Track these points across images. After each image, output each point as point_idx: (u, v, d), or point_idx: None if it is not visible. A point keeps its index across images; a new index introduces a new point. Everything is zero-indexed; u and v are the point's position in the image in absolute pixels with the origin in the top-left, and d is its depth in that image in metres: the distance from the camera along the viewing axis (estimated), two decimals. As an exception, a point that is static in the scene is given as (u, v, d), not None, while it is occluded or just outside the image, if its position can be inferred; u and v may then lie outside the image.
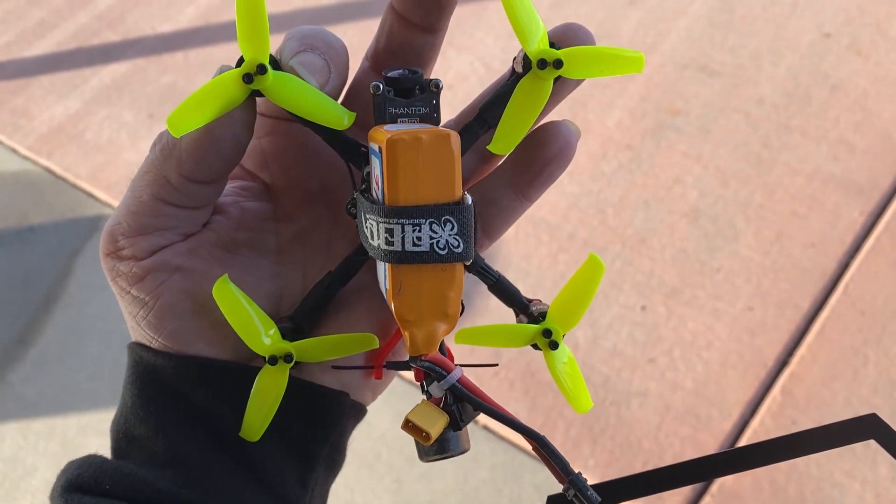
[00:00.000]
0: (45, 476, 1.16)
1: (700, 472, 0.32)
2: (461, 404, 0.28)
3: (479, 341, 0.30)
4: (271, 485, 0.29)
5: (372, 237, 0.26)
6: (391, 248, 0.25)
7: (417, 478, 1.08)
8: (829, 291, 1.15)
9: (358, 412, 0.32)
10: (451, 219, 0.25)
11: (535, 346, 0.30)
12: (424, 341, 0.26)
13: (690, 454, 1.02)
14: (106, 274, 0.30)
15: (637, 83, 1.51)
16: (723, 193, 1.30)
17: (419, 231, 0.25)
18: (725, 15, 1.61)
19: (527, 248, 1.28)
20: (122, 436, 0.29)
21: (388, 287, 0.27)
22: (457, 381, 0.27)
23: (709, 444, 1.02)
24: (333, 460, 0.32)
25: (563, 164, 0.31)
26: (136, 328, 0.30)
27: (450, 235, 0.25)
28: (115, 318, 1.34)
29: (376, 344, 0.29)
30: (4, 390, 1.27)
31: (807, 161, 1.32)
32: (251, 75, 0.26)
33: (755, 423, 1.04)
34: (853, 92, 1.43)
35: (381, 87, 0.28)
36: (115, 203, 1.54)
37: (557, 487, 0.98)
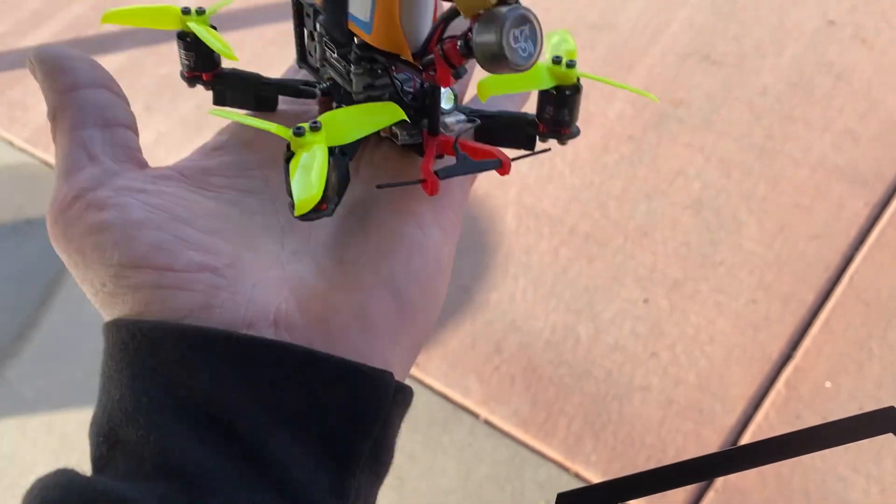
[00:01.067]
0: (44, 473, 1.15)
1: (713, 468, 0.31)
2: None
3: (502, 89, 0.31)
4: (298, 497, 0.23)
5: None
6: None
7: (419, 475, 1.07)
8: (834, 284, 1.14)
9: (405, 397, 0.27)
10: None
11: (560, 88, 0.31)
12: None
13: (693, 449, 1.01)
14: (58, 236, 0.27)
15: (638, 74, 1.49)
16: (725, 185, 1.29)
17: None
18: (728, 4, 1.59)
19: (527, 241, 1.27)
20: (103, 439, 0.24)
21: None
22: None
23: (712, 440, 1.01)
24: (378, 461, 0.25)
25: None
26: (106, 290, 0.26)
27: None
28: (113, 313, 1.33)
29: (403, 114, 0.27)
30: (2, 387, 1.27)
31: (810, 152, 1.31)
32: (188, 10, 0.32)
33: (759, 417, 1.03)
34: (857, 81, 1.41)
35: None
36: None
37: (559, 481, 0.98)
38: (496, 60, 0.25)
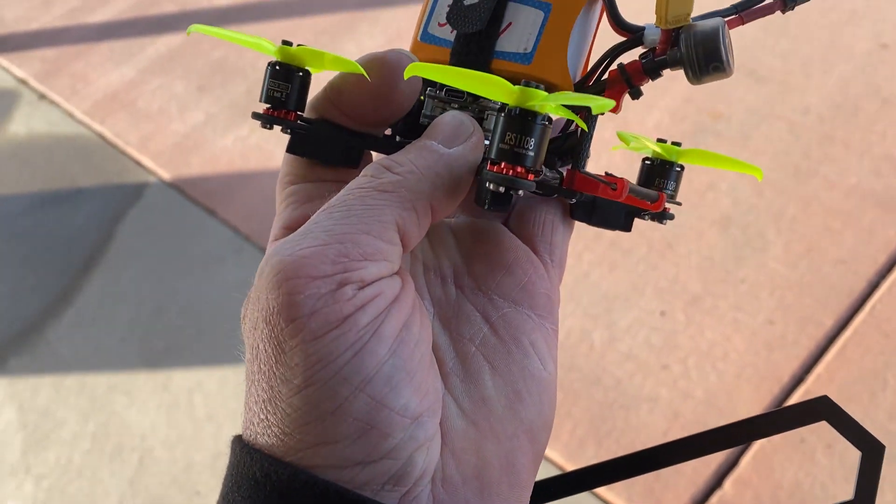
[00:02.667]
0: (73, 429, 1.22)
1: (662, 458, 0.33)
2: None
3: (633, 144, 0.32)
4: None
5: None
6: None
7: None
8: (855, 311, 1.13)
9: None
10: None
11: (670, 162, 0.32)
12: None
13: (693, 462, 1.02)
14: (286, 311, 0.23)
15: (682, 84, 1.48)
16: (756, 203, 1.28)
17: None
18: (781, 19, 1.57)
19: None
20: None
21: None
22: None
23: (712, 455, 1.02)
24: None
25: None
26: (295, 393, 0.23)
27: None
28: (148, 285, 1.39)
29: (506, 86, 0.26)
30: (43, 346, 1.34)
31: (847, 175, 1.29)
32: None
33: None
34: (905, 106, 1.38)
35: None
36: (161, 171, 1.59)
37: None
38: (712, 58, 0.27)
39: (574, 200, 0.30)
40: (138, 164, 1.61)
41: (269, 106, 0.29)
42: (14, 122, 1.77)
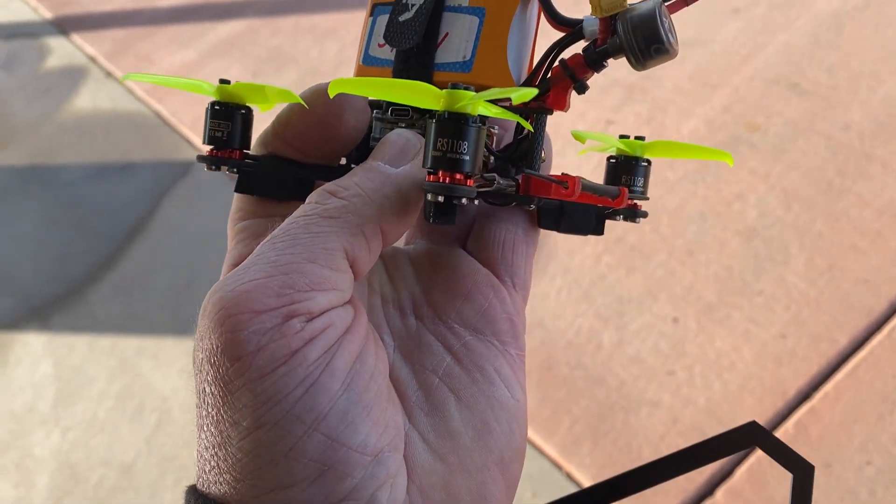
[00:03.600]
0: (101, 387, 1.29)
1: (606, 493, 0.33)
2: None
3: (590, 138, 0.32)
4: None
5: None
6: None
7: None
8: (873, 332, 1.10)
9: None
10: None
11: (635, 158, 0.31)
12: None
13: (686, 470, 1.02)
14: (230, 350, 0.22)
15: (721, 93, 1.47)
16: (783, 216, 1.26)
17: None
18: (832, 33, 1.54)
19: (573, 244, 1.29)
20: None
21: None
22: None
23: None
24: None
25: None
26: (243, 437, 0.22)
27: None
28: (185, 257, 1.45)
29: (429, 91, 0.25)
30: (83, 307, 1.42)
31: (881, 194, 1.26)
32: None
33: (758, 451, 1.02)
34: (953, 128, 1.34)
35: None
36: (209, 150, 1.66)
37: (549, 477, 1.02)
38: (652, 41, 0.26)
39: (533, 207, 0.29)
40: (189, 142, 1.69)
41: (212, 147, 0.29)
42: (81, 96, 1.87)
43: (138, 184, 1.62)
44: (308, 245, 0.23)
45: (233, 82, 0.29)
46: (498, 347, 0.28)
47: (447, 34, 0.28)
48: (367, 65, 0.30)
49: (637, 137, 0.31)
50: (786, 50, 1.52)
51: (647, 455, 1.05)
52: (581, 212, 0.30)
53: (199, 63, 1.88)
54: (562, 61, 0.28)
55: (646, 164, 0.31)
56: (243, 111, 0.29)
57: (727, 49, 1.56)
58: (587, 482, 1.03)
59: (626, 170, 0.31)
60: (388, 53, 0.30)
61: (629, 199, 0.31)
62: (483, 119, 0.24)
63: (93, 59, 1.96)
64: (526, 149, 0.29)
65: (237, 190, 0.29)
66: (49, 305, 1.43)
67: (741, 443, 0.34)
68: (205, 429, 0.23)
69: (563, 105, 0.28)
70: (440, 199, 0.24)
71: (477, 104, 0.24)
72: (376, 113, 0.30)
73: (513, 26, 0.28)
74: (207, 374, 0.22)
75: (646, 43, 0.26)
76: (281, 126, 0.28)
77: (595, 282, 1.24)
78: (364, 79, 0.24)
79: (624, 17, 0.26)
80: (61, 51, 2.01)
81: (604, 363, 1.15)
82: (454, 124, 0.23)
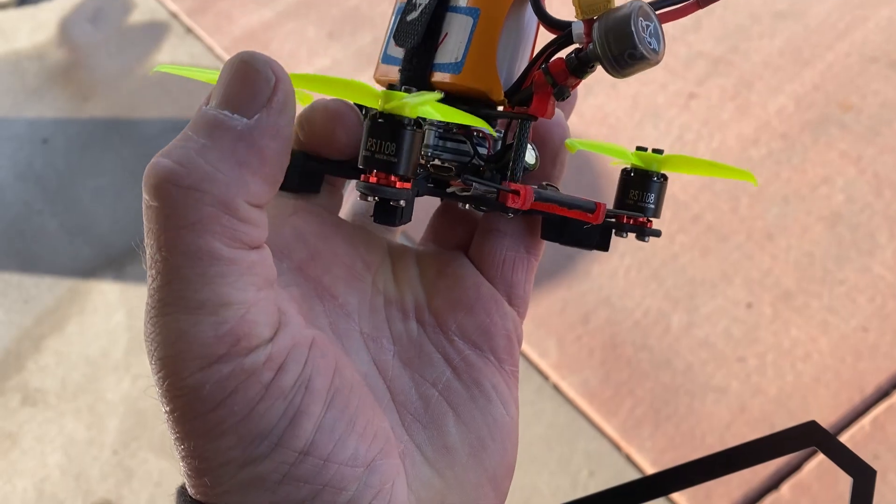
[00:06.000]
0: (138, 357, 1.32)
1: (655, 488, 0.33)
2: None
3: (588, 146, 0.30)
4: None
5: None
6: None
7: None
8: (964, 330, 1.04)
9: None
10: None
11: (647, 172, 0.30)
12: None
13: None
14: (196, 405, 0.21)
15: (814, 70, 1.40)
16: (872, 202, 1.19)
17: None
18: (940, 8, 1.44)
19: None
20: None
21: None
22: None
23: (772, 456, 0.98)
24: None
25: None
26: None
27: None
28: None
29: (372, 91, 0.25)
30: (122, 279, 1.45)
31: (983, 184, 1.18)
32: None
33: (831, 447, 0.98)
34: None
35: None
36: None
37: (608, 458, 1.01)
38: (624, 46, 0.24)
39: (511, 215, 0.28)
40: (264, 101, 1.70)
41: None
42: (162, 52, 1.90)
43: (213, 141, 1.64)
44: (202, 278, 0.21)
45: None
46: (495, 364, 0.28)
47: (446, 34, 0.28)
48: (385, 63, 0.30)
49: (655, 150, 0.30)
50: (888, 25, 1.43)
51: (711, 443, 1.02)
52: (583, 225, 0.29)
53: (275, 23, 1.88)
54: (544, 67, 0.27)
55: (659, 179, 0.30)
56: None
57: (822, 23, 1.47)
58: (647, 465, 1.01)
59: (638, 184, 0.30)
60: (400, 53, 0.29)
61: (639, 217, 0.29)
62: (419, 122, 0.23)
63: (174, 16, 1.98)
64: (518, 143, 0.28)
65: None
66: (123, 256, 1.47)
67: (800, 443, 0.33)
68: (189, 456, 0.22)
69: (545, 111, 0.27)
70: (371, 199, 0.24)
71: (415, 107, 0.23)
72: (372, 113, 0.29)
73: (505, 27, 0.27)
74: (177, 428, 0.22)
75: (618, 48, 0.24)
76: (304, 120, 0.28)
77: (666, 261, 1.20)
78: (310, 75, 0.23)
79: (599, 21, 0.25)
80: (145, 6, 2.04)
81: (671, 346, 1.12)
82: (387, 125, 0.23)
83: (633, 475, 1.00)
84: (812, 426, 0.32)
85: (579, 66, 0.26)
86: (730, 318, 1.12)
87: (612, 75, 0.25)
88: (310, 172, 0.28)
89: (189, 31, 1.93)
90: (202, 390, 0.21)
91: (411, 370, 0.27)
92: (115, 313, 1.38)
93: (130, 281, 1.42)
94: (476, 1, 0.27)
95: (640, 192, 0.30)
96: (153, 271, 0.21)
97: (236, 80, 0.22)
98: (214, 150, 0.21)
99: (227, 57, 1.80)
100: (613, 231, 0.29)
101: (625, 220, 0.29)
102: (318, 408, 0.22)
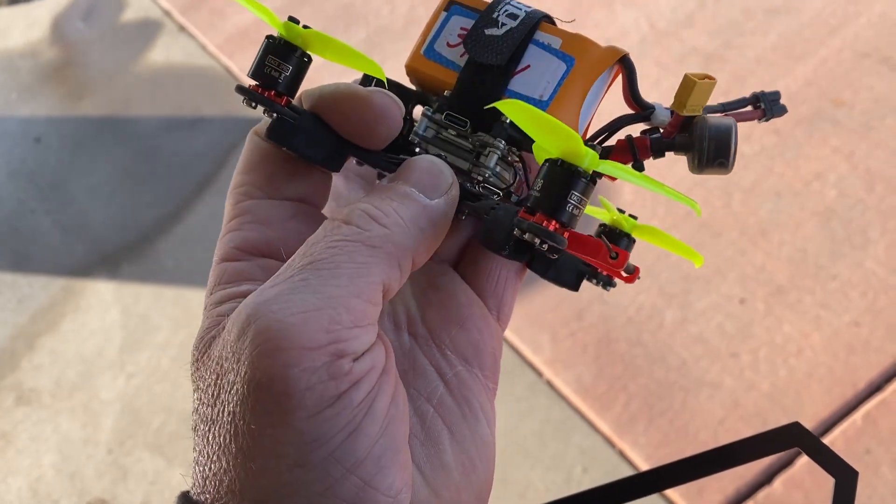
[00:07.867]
0: (166, 336, 1.32)
1: (643, 486, 0.33)
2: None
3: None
4: None
5: None
6: None
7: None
8: (956, 325, 1.05)
9: None
10: None
11: (617, 231, 0.33)
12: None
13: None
14: (279, 385, 0.21)
15: (807, 66, 1.40)
16: (865, 198, 1.20)
17: None
18: (932, 3, 1.44)
19: (640, 218, 1.26)
20: None
21: None
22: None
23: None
24: None
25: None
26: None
27: None
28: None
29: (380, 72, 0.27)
30: (151, 256, 1.45)
31: (975, 179, 1.19)
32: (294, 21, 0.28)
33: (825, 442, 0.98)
34: None
35: None
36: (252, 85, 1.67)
37: (602, 454, 1.01)
38: (721, 154, 0.27)
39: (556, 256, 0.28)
40: (258, 98, 1.69)
41: (257, 83, 0.27)
42: (155, 50, 1.89)
43: (207, 138, 1.64)
44: (353, 277, 0.23)
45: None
46: (481, 381, 0.28)
47: (528, 66, 0.29)
48: (429, 58, 0.30)
49: (631, 216, 0.33)
50: (880, 21, 1.43)
51: (704, 438, 1.02)
52: (569, 266, 0.31)
53: (270, 19, 1.88)
54: (629, 138, 0.29)
55: (629, 241, 0.32)
56: (305, 58, 0.28)
57: (815, 18, 1.47)
58: (640, 461, 1.01)
59: (611, 240, 0.32)
60: (456, 57, 0.29)
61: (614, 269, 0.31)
62: (594, 178, 0.24)
63: (167, 13, 1.98)
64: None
65: (269, 136, 0.27)
66: (118, 253, 1.47)
67: (783, 444, 0.33)
68: (223, 449, 0.22)
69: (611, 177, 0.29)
70: (529, 238, 0.24)
71: (596, 162, 0.24)
72: (426, 109, 0.29)
73: (594, 85, 0.29)
74: (243, 398, 0.21)
75: (716, 154, 0.27)
76: (327, 101, 0.27)
77: (660, 257, 1.21)
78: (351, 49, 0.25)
79: (703, 124, 0.27)
80: (137, 4, 2.04)
81: (664, 342, 1.12)
82: (565, 174, 0.24)
83: (626, 471, 1.01)
84: (795, 427, 0.32)
85: (661, 150, 0.28)
86: (723, 313, 1.13)
87: (692, 171, 0.28)
88: (341, 153, 0.28)
89: (182, 28, 1.92)
90: (292, 370, 0.21)
91: (406, 383, 0.27)
92: (110, 311, 1.38)
93: (124, 279, 1.42)
94: (571, 49, 0.28)
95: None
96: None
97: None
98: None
99: (220, 55, 1.80)
100: (585, 277, 0.31)
101: (600, 270, 0.31)
102: (375, 430, 0.22)
